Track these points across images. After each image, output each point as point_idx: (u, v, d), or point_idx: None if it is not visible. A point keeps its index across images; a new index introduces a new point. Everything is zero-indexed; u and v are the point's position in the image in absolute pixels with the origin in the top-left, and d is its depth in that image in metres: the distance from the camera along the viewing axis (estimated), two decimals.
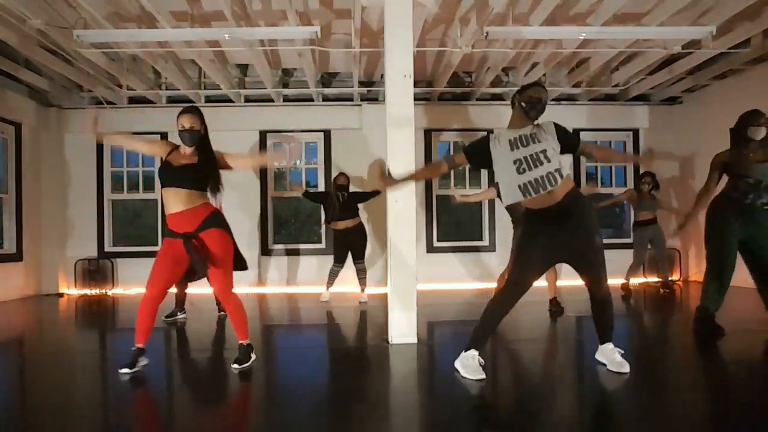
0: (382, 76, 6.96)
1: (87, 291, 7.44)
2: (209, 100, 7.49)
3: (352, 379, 3.04)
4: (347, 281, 6.48)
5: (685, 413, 2.32)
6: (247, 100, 7.56)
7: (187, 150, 3.12)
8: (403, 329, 3.79)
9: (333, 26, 5.81)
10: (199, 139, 3.11)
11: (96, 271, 7.50)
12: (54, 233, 7.48)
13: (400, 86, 3.86)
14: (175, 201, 3.01)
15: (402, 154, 3.83)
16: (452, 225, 8.35)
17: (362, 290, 6.18)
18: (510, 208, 4.43)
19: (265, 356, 3.58)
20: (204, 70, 6.64)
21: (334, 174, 7.62)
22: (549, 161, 2.71)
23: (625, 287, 6.40)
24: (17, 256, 6.94)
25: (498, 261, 7.47)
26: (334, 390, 2.82)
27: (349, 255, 6.14)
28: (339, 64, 7.06)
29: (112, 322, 5.37)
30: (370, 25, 5.63)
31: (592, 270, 2.81)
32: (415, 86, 3.96)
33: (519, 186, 2.74)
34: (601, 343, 3.02)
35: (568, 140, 2.82)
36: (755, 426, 2.18)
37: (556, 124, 2.82)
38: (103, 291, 7.43)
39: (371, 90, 7.61)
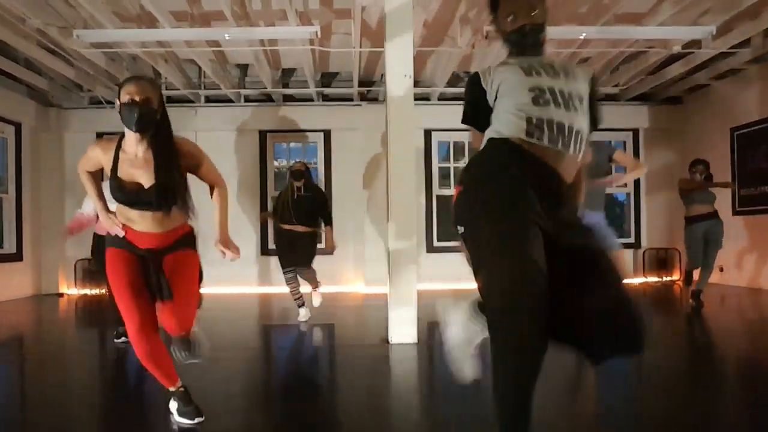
0: (382, 76, 6.95)
1: (87, 291, 7.44)
2: (209, 100, 7.48)
3: (352, 379, 3.04)
4: (345, 281, 6.45)
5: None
6: (247, 100, 7.55)
7: (137, 147, 2.06)
8: (403, 329, 3.79)
9: (333, 26, 5.81)
10: (153, 124, 2.03)
11: (96, 271, 7.49)
12: (54, 233, 7.46)
13: (400, 86, 3.86)
14: (143, 220, 2.12)
15: (402, 154, 3.84)
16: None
17: (314, 288, 4.99)
18: None
19: (266, 356, 3.58)
20: (204, 70, 6.63)
21: (334, 174, 7.67)
22: (580, 114, 1.69)
23: (693, 295, 5.19)
24: (17, 256, 6.94)
25: None
26: (334, 390, 2.82)
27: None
28: (339, 64, 7.06)
29: (112, 322, 5.36)
30: (370, 25, 5.62)
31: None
32: (415, 86, 3.95)
33: (530, 118, 1.64)
34: None
35: (596, 111, 1.80)
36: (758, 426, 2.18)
37: (594, 76, 1.82)
38: (103, 291, 7.43)
39: (371, 90, 7.61)
